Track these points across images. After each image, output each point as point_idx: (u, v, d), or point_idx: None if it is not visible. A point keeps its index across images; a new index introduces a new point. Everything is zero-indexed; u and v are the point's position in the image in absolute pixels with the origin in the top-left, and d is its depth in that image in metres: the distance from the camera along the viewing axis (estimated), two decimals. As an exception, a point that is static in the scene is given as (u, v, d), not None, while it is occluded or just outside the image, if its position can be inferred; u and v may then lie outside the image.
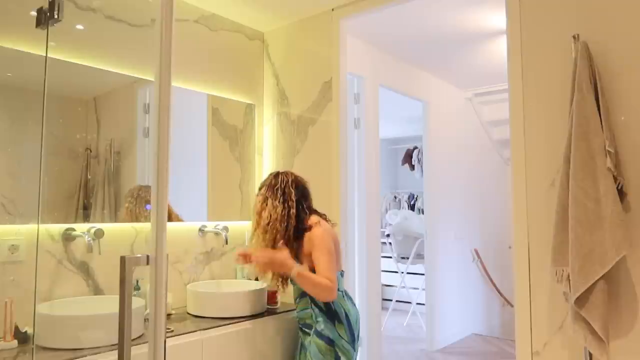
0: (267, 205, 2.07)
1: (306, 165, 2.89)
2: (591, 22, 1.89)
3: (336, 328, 2.02)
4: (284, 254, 1.99)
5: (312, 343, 2.03)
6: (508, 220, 2.19)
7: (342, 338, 2.01)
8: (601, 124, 1.74)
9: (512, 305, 4.58)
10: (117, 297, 1.00)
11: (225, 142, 2.88)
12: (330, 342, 2.01)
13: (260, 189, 2.17)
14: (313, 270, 1.99)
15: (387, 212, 6.43)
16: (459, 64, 4.07)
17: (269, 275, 2.15)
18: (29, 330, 1.89)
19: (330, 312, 2.04)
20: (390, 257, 5.61)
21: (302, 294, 2.09)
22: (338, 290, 2.02)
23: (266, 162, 3.09)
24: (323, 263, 1.96)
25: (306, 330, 2.09)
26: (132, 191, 2.36)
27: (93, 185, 2.25)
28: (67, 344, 1.78)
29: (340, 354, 2.00)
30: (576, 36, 1.87)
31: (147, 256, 0.99)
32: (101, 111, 2.30)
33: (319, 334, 2.03)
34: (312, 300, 2.05)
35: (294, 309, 2.21)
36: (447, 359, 4.10)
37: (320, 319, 2.04)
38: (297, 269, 1.97)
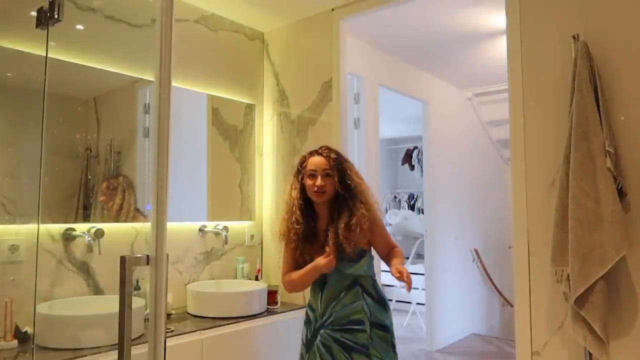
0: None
1: (306, 165, 2.91)
2: (591, 22, 1.89)
3: (388, 314, 1.91)
4: None
5: (376, 337, 1.82)
6: (508, 220, 2.18)
7: (392, 324, 1.91)
8: (601, 124, 1.74)
9: (512, 305, 4.58)
10: (117, 297, 0.99)
11: (225, 142, 2.88)
12: (387, 330, 1.87)
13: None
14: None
15: (387, 212, 6.43)
16: (459, 64, 4.07)
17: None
18: (29, 330, 1.89)
19: (381, 299, 1.90)
20: (390, 257, 5.60)
21: (350, 285, 1.86)
22: (370, 277, 1.90)
23: (266, 162, 3.09)
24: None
25: (357, 327, 1.81)
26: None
27: (93, 185, 2.26)
28: (67, 344, 1.79)
29: (394, 341, 1.89)
30: (576, 36, 1.87)
31: (147, 256, 0.99)
32: (101, 111, 2.31)
33: (379, 326, 1.85)
34: (364, 288, 1.86)
35: (295, 309, 2.14)
36: (447, 359, 4.10)
37: (375, 308, 1.86)
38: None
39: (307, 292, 2.00)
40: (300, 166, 1.95)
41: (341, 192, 1.89)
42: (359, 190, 1.93)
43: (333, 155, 1.93)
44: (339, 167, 1.91)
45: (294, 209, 1.91)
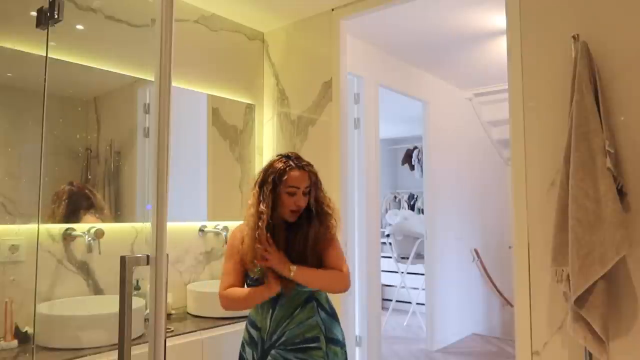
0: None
1: (306, 165, 2.90)
2: (591, 22, 1.89)
3: (340, 327, 1.82)
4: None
5: (331, 354, 1.73)
6: (508, 220, 2.18)
7: (344, 337, 1.82)
8: (601, 124, 1.74)
9: (512, 305, 4.58)
10: (117, 297, 0.99)
11: (225, 142, 2.88)
12: (340, 344, 1.78)
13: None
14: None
15: (387, 212, 6.43)
16: (459, 64, 4.07)
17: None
18: (29, 330, 1.89)
19: (333, 312, 1.81)
20: (390, 257, 5.61)
21: (306, 300, 1.75)
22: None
23: (266, 162, 3.08)
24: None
25: (312, 345, 1.70)
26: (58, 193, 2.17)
27: (93, 185, 2.26)
28: (67, 344, 1.79)
29: (347, 353, 1.82)
30: (576, 36, 1.87)
31: (147, 256, 0.99)
32: (101, 111, 2.31)
33: (333, 341, 1.75)
34: (319, 303, 1.77)
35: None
36: (447, 359, 4.10)
37: (329, 322, 1.77)
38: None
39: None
40: (279, 180, 1.73)
41: (314, 208, 1.76)
42: (331, 207, 1.81)
43: (313, 170, 1.78)
44: (316, 184, 1.78)
45: (260, 224, 1.69)
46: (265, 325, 1.76)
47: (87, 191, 2.25)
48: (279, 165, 1.75)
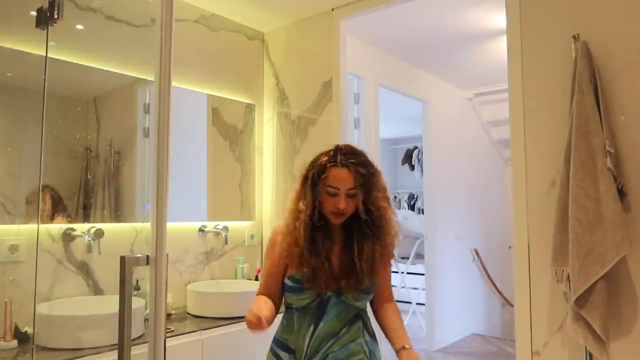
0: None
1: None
2: (591, 22, 1.89)
3: (380, 350, 1.61)
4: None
5: None
6: (508, 220, 2.18)
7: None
8: (601, 124, 1.74)
9: (512, 305, 4.58)
10: (117, 297, 0.99)
11: (225, 142, 2.88)
12: None
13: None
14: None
15: (387, 212, 6.41)
16: (459, 64, 4.07)
17: None
18: (29, 330, 1.89)
19: (374, 333, 1.61)
20: (390, 257, 5.60)
21: (353, 319, 1.53)
22: (366, 310, 1.63)
23: (266, 162, 3.09)
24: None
25: None
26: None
27: (93, 185, 2.25)
28: (67, 344, 1.79)
29: None
30: (576, 36, 1.87)
31: (147, 256, 0.99)
32: (101, 111, 2.30)
33: None
34: (364, 323, 1.56)
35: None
36: (447, 359, 4.10)
37: (372, 346, 1.57)
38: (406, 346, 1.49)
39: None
40: (318, 177, 1.48)
41: (364, 216, 1.50)
42: (386, 218, 1.56)
43: (361, 170, 1.47)
44: (365, 186, 1.48)
45: (297, 224, 1.50)
46: (301, 345, 1.49)
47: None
48: (323, 159, 1.50)
